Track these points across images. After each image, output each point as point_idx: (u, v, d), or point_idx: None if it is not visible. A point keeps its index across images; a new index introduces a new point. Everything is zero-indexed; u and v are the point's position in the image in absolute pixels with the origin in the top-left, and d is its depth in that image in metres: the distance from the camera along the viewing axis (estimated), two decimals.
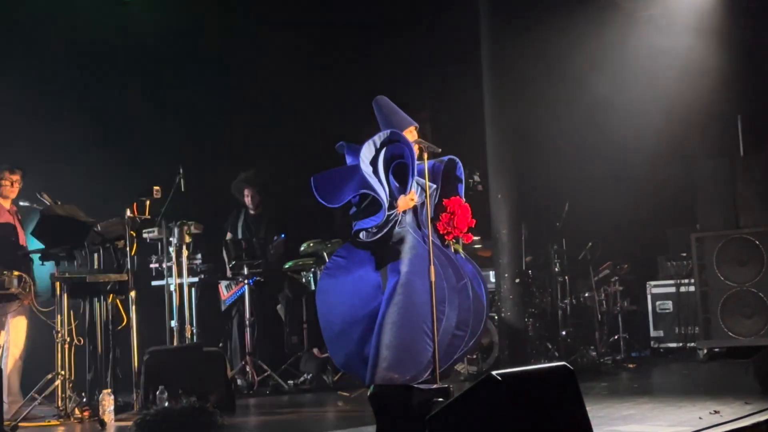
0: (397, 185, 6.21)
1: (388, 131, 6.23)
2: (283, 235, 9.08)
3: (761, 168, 9.09)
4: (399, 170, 6.22)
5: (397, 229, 6.27)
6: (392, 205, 6.17)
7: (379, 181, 6.11)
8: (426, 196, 6.07)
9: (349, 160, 6.39)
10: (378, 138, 6.19)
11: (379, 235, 6.20)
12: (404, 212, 6.27)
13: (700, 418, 5.16)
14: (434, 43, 10.50)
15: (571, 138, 10.22)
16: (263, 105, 10.07)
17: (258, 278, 8.69)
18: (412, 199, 6.21)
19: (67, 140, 8.65)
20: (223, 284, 8.96)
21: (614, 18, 10.08)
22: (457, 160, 6.45)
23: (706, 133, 9.82)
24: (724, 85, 9.61)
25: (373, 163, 6.13)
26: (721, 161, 9.23)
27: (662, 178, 10.06)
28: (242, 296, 8.64)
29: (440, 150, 6.35)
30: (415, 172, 6.19)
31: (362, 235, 6.19)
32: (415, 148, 6.29)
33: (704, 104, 9.74)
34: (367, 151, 6.13)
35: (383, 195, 6.09)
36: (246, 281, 8.54)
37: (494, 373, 3.95)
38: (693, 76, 9.78)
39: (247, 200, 9.26)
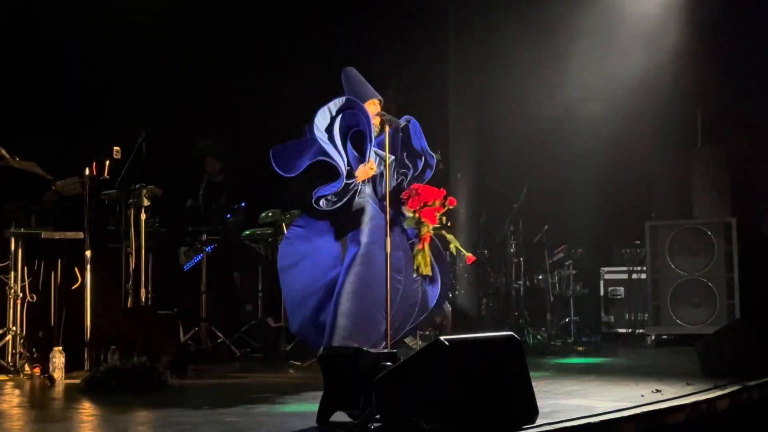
0: (356, 154, 6.23)
1: (344, 98, 6.24)
2: (243, 204, 9.10)
3: (716, 160, 9.25)
4: (356, 139, 6.24)
5: (357, 199, 6.30)
6: (351, 174, 6.19)
7: (336, 148, 6.12)
8: (385, 167, 6.10)
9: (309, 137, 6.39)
10: (333, 105, 6.17)
11: (339, 204, 6.22)
12: (364, 183, 6.29)
13: (642, 395, 5.28)
14: (401, 24, 10.53)
15: (532, 122, 10.33)
16: (228, 73, 10.04)
17: (216, 245, 8.70)
18: (372, 168, 6.23)
19: (28, 95, 8.58)
20: (181, 250, 8.96)
21: (578, 5, 10.16)
22: (413, 120, 6.44)
23: (666, 123, 9.96)
24: (686, 76, 9.76)
25: (329, 130, 6.13)
26: (678, 152, 9.39)
27: (620, 166, 10.19)
28: (199, 263, 8.65)
29: (402, 124, 6.38)
30: (373, 140, 6.21)
31: (322, 203, 6.19)
32: (378, 121, 6.32)
33: (665, 95, 9.88)
34: (321, 118, 6.12)
35: (340, 162, 6.11)
36: (204, 248, 8.55)
37: (442, 338, 4.03)
38: (655, 67, 9.90)
39: (208, 168, 9.26)
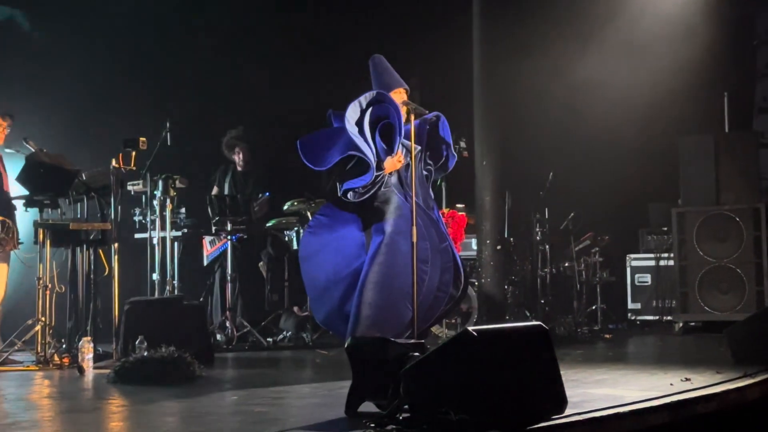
0: (384, 146, 6.21)
1: (374, 92, 6.23)
2: (267, 194, 9.12)
3: (744, 145, 9.15)
4: (385, 131, 6.22)
5: (382, 189, 6.29)
6: (379, 166, 6.17)
7: (366, 141, 6.12)
8: (411, 158, 6.08)
9: (336, 124, 6.38)
10: (364, 98, 6.17)
11: (366, 196, 6.21)
12: (390, 173, 6.28)
13: (671, 384, 5.24)
14: (426, 11, 10.50)
15: (558, 108, 10.27)
16: (254, 63, 10.05)
17: (241, 235, 8.73)
18: (399, 161, 6.21)
19: (55, 88, 8.63)
20: (206, 239, 9.00)
21: None
22: (442, 117, 6.44)
23: (692, 108, 9.87)
24: (712, 61, 9.65)
25: (359, 123, 6.12)
26: (705, 137, 9.27)
27: (646, 152, 10.12)
28: (225, 252, 8.68)
29: (428, 113, 6.35)
30: (402, 133, 6.20)
31: (350, 195, 6.19)
32: (403, 110, 6.30)
33: (691, 80, 9.79)
34: (352, 112, 6.11)
35: (370, 155, 6.10)
36: (229, 237, 8.57)
37: (470, 328, 4.01)
38: (681, 52, 9.81)
39: (238, 157, 9.28)
